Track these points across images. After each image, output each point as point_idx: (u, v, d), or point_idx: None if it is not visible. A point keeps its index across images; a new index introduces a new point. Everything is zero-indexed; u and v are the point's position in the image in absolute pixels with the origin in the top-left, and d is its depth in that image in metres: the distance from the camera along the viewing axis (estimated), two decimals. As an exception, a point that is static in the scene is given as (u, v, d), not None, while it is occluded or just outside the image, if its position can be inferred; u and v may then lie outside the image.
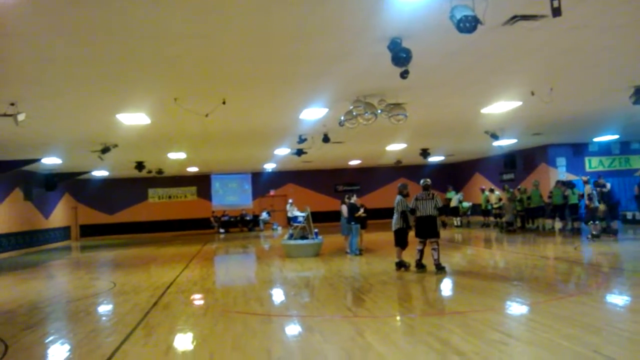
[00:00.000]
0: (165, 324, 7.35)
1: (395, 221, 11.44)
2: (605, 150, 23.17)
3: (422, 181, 11.22)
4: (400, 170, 30.23)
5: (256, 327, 6.89)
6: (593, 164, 23.19)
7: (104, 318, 8.49)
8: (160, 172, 24.80)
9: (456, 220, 24.72)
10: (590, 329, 5.95)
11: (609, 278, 9.73)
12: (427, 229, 10.82)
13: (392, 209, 11.55)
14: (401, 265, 11.25)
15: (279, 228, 29.11)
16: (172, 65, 7.98)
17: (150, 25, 6.23)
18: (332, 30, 6.72)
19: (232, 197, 31.96)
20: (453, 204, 24.55)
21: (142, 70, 8.14)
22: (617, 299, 7.97)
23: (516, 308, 7.61)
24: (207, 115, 11.29)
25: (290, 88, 9.91)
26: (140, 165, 21.18)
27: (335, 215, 16.77)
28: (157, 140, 15.71)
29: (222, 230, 29.61)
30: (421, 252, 10.92)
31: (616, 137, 21.47)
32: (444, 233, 20.24)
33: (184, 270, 13.27)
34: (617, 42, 7.95)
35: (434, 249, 10.70)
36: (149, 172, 23.65)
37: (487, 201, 23.18)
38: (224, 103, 10.34)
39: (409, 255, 11.37)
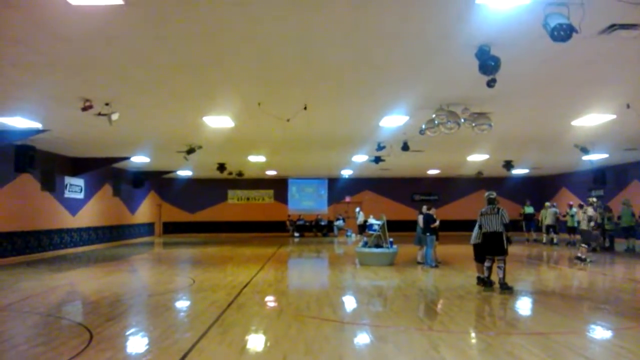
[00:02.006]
0: (240, 324, 7.49)
1: (475, 234, 11.00)
2: None
3: (486, 194, 10.69)
4: (481, 182, 29.35)
5: (329, 333, 6.88)
6: (694, 183, 21.57)
7: (182, 314, 8.77)
8: (240, 174, 25.48)
9: (548, 238, 22.20)
10: (688, 362, 5.50)
11: None
12: (493, 246, 10.26)
13: (471, 221, 11.15)
14: (481, 280, 10.82)
15: (353, 235, 29.08)
16: (259, 70, 8.16)
17: (236, 29, 6.40)
18: (418, 34, 6.64)
19: (307, 201, 32.29)
20: (548, 220, 22.08)
21: (229, 75, 8.39)
22: None
23: (601, 332, 7.16)
24: (288, 120, 11.48)
25: (372, 94, 9.88)
26: (222, 167, 21.84)
27: (410, 225, 16.52)
28: (239, 143, 16.13)
29: (296, 234, 29.96)
30: (489, 269, 10.45)
31: None
32: (521, 249, 19.51)
33: (259, 272, 13.50)
34: None
35: (499, 267, 10.17)
36: (230, 173, 24.36)
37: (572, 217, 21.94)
38: (305, 108, 10.47)
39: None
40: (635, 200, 20.22)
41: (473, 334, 7.07)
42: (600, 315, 8.28)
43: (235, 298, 9.58)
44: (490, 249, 10.35)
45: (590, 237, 15.17)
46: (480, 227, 10.56)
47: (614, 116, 11.55)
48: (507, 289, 10.07)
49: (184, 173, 27.46)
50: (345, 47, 7.13)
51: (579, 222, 21.23)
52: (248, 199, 32.47)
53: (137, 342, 6.70)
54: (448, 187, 31.34)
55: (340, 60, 7.70)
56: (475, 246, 11.01)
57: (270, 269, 14.31)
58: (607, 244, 19.54)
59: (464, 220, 23.03)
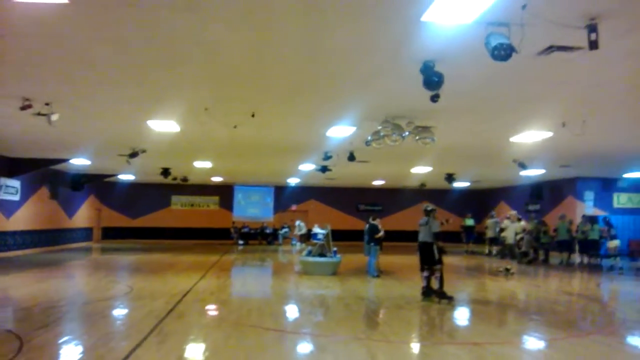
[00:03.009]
0: (179, 333, 7.34)
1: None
2: (635, 187, 22.68)
3: (424, 206, 11.01)
4: (424, 194, 29.96)
5: (269, 343, 6.84)
6: (622, 200, 22.72)
7: (118, 322, 8.51)
8: (185, 179, 25.05)
9: (490, 249, 22.93)
10: (611, 372, 5.76)
11: (631, 318, 9.44)
12: (426, 256, 10.52)
13: (415, 232, 11.36)
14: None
15: (298, 244, 29.08)
16: (207, 75, 8.06)
17: (186, 34, 6.31)
18: (366, 49, 6.72)
19: (253, 209, 32.06)
20: (490, 232, 22.76)
21: (177, 79, 8.24)
22: (638, 341, 7.72)
23: (532, 343, 7.42)
24: (235, 127, 11.39)
25: (321, 105, 9.93)
26: (166, 172, 21.41)
27: (355, 235, 16.67)
28: (184, 148, 15.87)
29: (241, 242, 29.65)
30: (426, 278, 10.66)
31: (648, 175, 21.04)
32: (459, 260, 19.99)
33: (201, 280, 13.28)
34: (654, 79, 7.81)
35: (435, 277, 10.43)
36: (174, 179, 23.90)
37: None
38: (252, 116, 10.41)
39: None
40: (570, 215, 21.06)
41: (411, 344, 7.18)
42: (534, 326, 8.57)
43: (174, 306, 9.39)
44: (424, 258, 10.58)
45: (512, 250, 15.82)
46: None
47: (551, 134, 12.02)
48: (444, 299, 10.25)
49: (126, 177, 26.75)
50: (295, 57, 7.14)
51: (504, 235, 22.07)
52: (192, 205, 31.95)
53: (69, 351, 6.46)
54: (393, 198, 31.81)
55: (289, 69, 7.71)
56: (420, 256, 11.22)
57: (212, 277, 14.10)
58: (542, 257, 20.28)
59: (408, 230, 23.41)
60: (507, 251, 15.87)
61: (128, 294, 10.93)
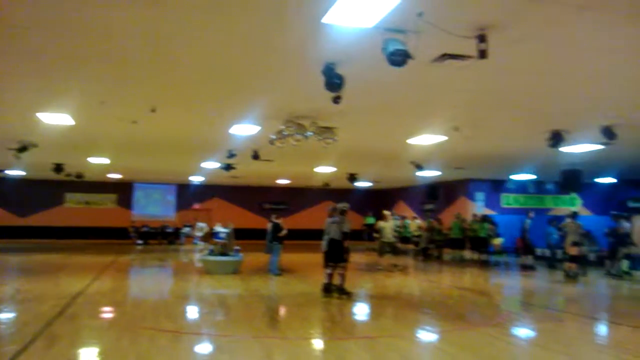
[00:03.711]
0: (68, 336, 6.98)
1: (324, 243, 11.41)
2: (521, 188, 24.40)
3: (339, 205, 11.25)
4: (329, 193, 30.44)
5: (164, 344, 6.67)
6: (509, 200, 24.32)
7: (2, 326, 7.95)
8: (79, 176, 23.74)
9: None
10: (492, 360, 6.16)
11: (517, 311, 10.15)
12: (334, 253, 10.79)
13: (318, 230, 11.57)
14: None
15: (200, 243, 28.53)
16: (103, 67, 7.70)
17: (80, 22, 6.00)
18: (269, 48, 6.72)
19: (154, 207, 31.06)
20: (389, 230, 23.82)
21: (70, 70, 7.81)
22: (522, 332, 8.31)
23: (423, 335, 7.78)
24: (134, 122, 11.00)
25: (224, 102, 9.80)
26: (58, 168, 20.18)
27: (260, 233, 16.63)
28: (79, 143, 15.07)
29: (139, 242, 28.58)
30: (329, 275, 10.91)
31: (533, 176, 22.69)
32: (360, 258, 20.55)
33: (94, 281, 12.68)
34: (537, 88, 8.43)
35: (339, 274, 10.74)
36: (68, 175, 22.59)
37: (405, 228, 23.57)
38: (153, 111, 10.09)
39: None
40: (462, 214, 22.23)
41: (309, 341, 7.28)
42: (426, 319, 8.99)
43: (64, 309, 8.90)
44: (331, 255, 10.80)
45: (394, 248, 16.52)
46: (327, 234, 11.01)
47: (445, 137, 12.64)
48: (344, 294, 10.56)
49: (15, 173, 24.95)
50: (197, 52, 7.00)
51: (411, 233, 23.04)
52: (88, 203, 30.38)
53: (-60, 361, 5.95)
54: (297, 197, 32.05)
55: (191, 64, 7.54)
56: (325, 253, 11.40)
57: (107, 278, 13.50)
58: (436, 254, 21.31)
59: (312, 229, 23.69)
60: (388, 248, 16.53)
61: (14, 296, 10.24)
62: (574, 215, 15.27)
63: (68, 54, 7.11)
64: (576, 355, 6.60)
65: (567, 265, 14.75)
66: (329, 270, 10.87)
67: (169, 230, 29.78)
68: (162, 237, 29.45)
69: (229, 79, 8.24)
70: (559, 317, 9.59)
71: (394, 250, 16.50)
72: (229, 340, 7.01)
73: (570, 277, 14.38)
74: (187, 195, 31.01)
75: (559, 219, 17.32)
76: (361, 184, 27.23)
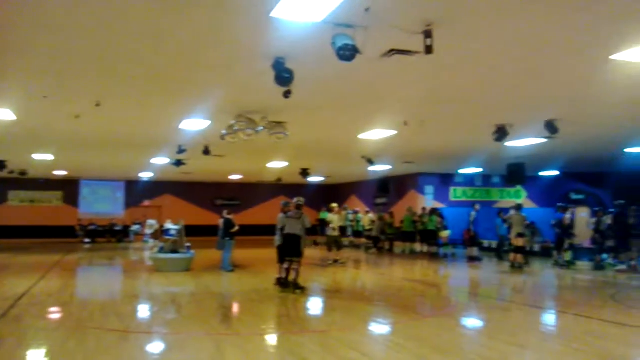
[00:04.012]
0: (12, 338, 6.76)
1: (277, 238, 11.41)
2: (469, 181, 25.03)
3: (295, 200, 11.30)
4: (281, 188, 30.42)
5: (111, 344, 6.53)
6: (457, 193, 24.92)
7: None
8: (23, 173, 22.89)
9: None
10: (442, 350, 6.30)
11: (464, 301, 10.42)
12: (292, 248, 10.83)
13: (272, 226, 11.54)
14: (281, 281, 11.24)
15: (151, 240, 28.00)
16: (46, 61, 7.43)
17: (21, 13, 5.77)
18: (218, 41, 6.64)
19: (102, 205, 30.25)
20: (341, 222, 24.13)
21: (11, 61, 7.49)
22: (470, 322, 8.54)
23: (375, 328, 7.90)
24: (78, 117, 10.68)
25: (171, 97, 9.63)
26: (0, 165, 19.41)
27: (212, 229, 16.42)
28: (22, 139, 14.51)
29: (87, 240, 27.79)
30: (287, 270, 10.95)
31: (480, 170, 23.29)
32: (314, 252, 20.63)
33: (40, 281, 12.26)
34: (482, 83, 8.65)
35: (294, 269, 10.79)
36: (11, 172, 21.74)
37: (358, 222, 23.80)
38: (97, 105, 9.81)
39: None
40: (413, 208, 22.59)
41: (261, 336, 7.27)
42: (378, 311, 9.13)
43: (8, 310, 8.59)
44: (288, 250, 10.83)
45: (337, 241, 16.52)
46: (282, 230, 10.99)
47: (395, 132, 12.81)
48: (299, 289, 10.62)
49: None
50: (143, 45, 6.84)
51: (363, 227, 23.30)
52: (33, 201, 29.31)
53: None
54: (250, 193, 31.87)
55: (137, 57, 7.36)
56: (279, 248, 11.37)
57: (53, 278, 13.07)
58: (387, 247, 21.61)
59: (265, 225, 23.59)
60: (332, 243, 16.57)
61: (-50, 300, 9.79)
62: (519, 207, 15.76)
63: (7, 46, 6.83)
64: (522, 343, 6.82)
65: (513, 256, 15.23)
66: (286, 265, 10.90)
67: (118, 228, 29.09)
68: (110, 235, 28.74)
69: (177, 72, 8.10)
70: (506, 307, 9.88)
71: (337, 245, 16.49)
72: (180, 338, 6.92)
73: (516, 268, 14.85)
74: (136, 191, 30.33)
75: (506, 211, 17.84)
76: (314, 179, 27.31)
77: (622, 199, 15.24)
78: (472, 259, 17.38)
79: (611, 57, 7.02)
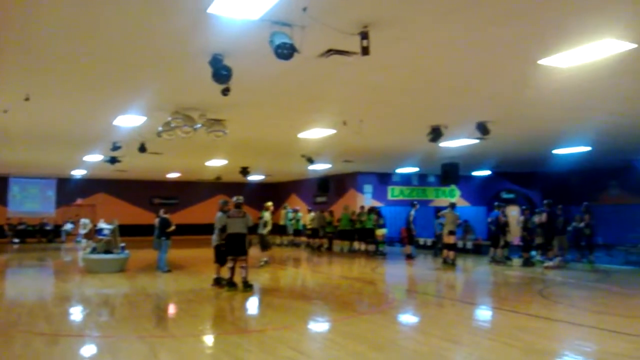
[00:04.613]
0: None
1: (215, 237, 11.30)
2: (406, 180, 25.58)
3: (234, 198, 11.24)
4: (221, 187, 30.06)
5: (40, 348, 6.27)
6: (395, 192, 25.41)
7: None
8: (-56, 170, 21.65)
9: (282, 239, 24.43)
10: (377, 347, 6.42)
11: (401, 298, 10.63)
12: (237, 247, 10.80)
13: (211, 225, 11.41)
14: (219, 281, 11.13)
15: (84, 240, 27.05)
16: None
17: None
18: (154, 36, 6.48)
19: (31, 203, 28.94)
20: (282, 221, 23.89)
21: None
22: (406, 318, 8.73)
23: (312, 326, 7.95)
24: (5, 111, 10.21)
25: (105, 91, 9.33)
26: None
27: (149, 229, 16.02)
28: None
29: (16, 240, 26.55)
30: (232, 269, 10.89)
31: (416, 169, 23.84)
32: (254, 251, 20.54)
33: (-39, 284, 11.64)
34: (416, 85, 8.85)
35: (242, 267, 10.75)
36: None
37: (298, 221, 23.88)
38: (27, 99, 9.39)
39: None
40: (351, 206, 22.85)
41: (196, 337, 7.17)
42: (315, 310, 9.18)
43: None
44: (234, 249, 10.76)
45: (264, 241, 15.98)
46: (223, 229, 10.90)
47: (334, 131, 12.91)
48: (249, 287, 10.72)
49: None
50: (72, 39, 6.59)
51: (304, 225, 23.37)
52: (-44, 199, 27.74)
53: None
54: (189, 191, 31.32)
55: (67, 51, 7.09)
56: (216, 248, 11.24)
57: (-24, 280, 12.44)
58: (326, 246, 21.76)
59: (204, 224, 23.27)
60: (261, 242, 15.97)
61: None
62: (453, 206, 16.21)
63: None
64: (454, 339, 7.03)
65: (445, 253, 15.67)
66: (230, 265, 10.83)
67: (49, 227, 27.95)
68: (41, 235, 27.58)
69: (110, 67, 7.87)
70: (440, 303, 10.17)
71: (264, 244, 15.96)
72: (112, 341, 6.73)
73: (449, 264, 15.28)
74: (68, 190, 29.17)
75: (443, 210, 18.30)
76: (254, 177, 27.15)
77: (550, 198, 15.94)
78: (409, 257, 17.73)
79: (539, 62, 7.35)
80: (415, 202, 18.37)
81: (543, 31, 6.25)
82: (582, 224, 16.50)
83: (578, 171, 22.96)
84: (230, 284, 10.86)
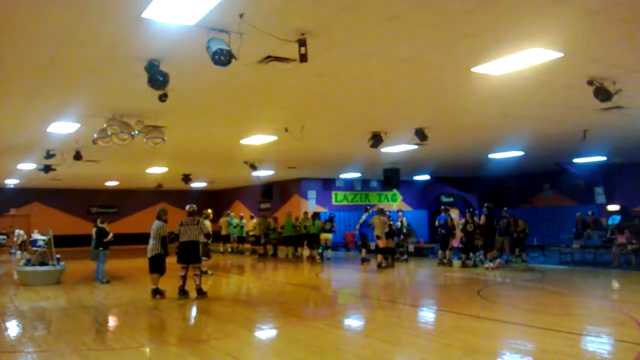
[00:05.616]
0: None
1: (151, 247, 10.90)
2: (349, 186, 25.85)
3: (187, 207, 11.12)
4: (162, 195, 29.43)
5: (-35, 368, 5.97)
6: (339, 197, 25.65)
7: None
8: None
9: (224, 247, 23.98)
10: (319, 352, 6.43)
11: (344, 303, 10.71)
12: (190, 255, 10.65)
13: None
14: (157, 292, 10.82)
15: (18, 252, 25.84)
16: None
17: None
18: (86, 40, 6.30)
19: (-40, 214, 27.46)
20: (225, 230, 23.51)
21: None
22: (349, 322, 8.78)
23: (256, 333, 7.89)
24: None
25: (37, 96, 8.99)
26: None
27: (87, 239, 15.49)
28: None
29: (-58, 254, 25.13)
30: (184, 278, 10.69)
31: (359, 175, 24.14)
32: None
33: None
34: (354, 92, 8.99)
35: (196, 275, 10.64)
36: None
37: (242, 227, 23.64)
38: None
39: (168, 283, 11.03)
40: (295, 211, 22.88)
41: (135, 349, 6.98)
42: (259, 317, 9.13)
43: None
44: (187, 256, 10.62)
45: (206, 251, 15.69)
46: (176, 238, 10.78)
47: (276, 137, 12.91)
48: (202, 294, 10.60)
49: None
50: (0, 40, 6.35)
51: (247, 232, 23.20)
52: None
53: None
54: (128, 199, 30.49)
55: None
56: (152, 259, 10.86)
57: None
58: (271, 252, 21.70)
59: (145, 233, 22.66)
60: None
61: None
62: (381, 211, 16.47)
63: None
64: (395, 341, 7.14)
65: (380, 258, 15.89)
66: (182, 273, 10.68)
67: (-22, 239, 26.54)
68: (-31, 248, 26.16)
69: (42, 72, 7.61)
70: (382, 306, 10.29)
71: (204, 253, 15.55)
72: (48, 356, 6.47)
73: (382, 268, 15.55)
74: (1, 200, 27.82)
75: (394, 214, 18.53)
76: (196, 184, 26.75)
77: (487, 202, 16.44)
78: (363, 260, 17.79)
79: (472, 70, 7.60)
80: (368, 207, 18.54)
81: (475, 40, 6.47)
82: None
83: (513, 175, 23.85)
84: (182, 292, 10.68)
